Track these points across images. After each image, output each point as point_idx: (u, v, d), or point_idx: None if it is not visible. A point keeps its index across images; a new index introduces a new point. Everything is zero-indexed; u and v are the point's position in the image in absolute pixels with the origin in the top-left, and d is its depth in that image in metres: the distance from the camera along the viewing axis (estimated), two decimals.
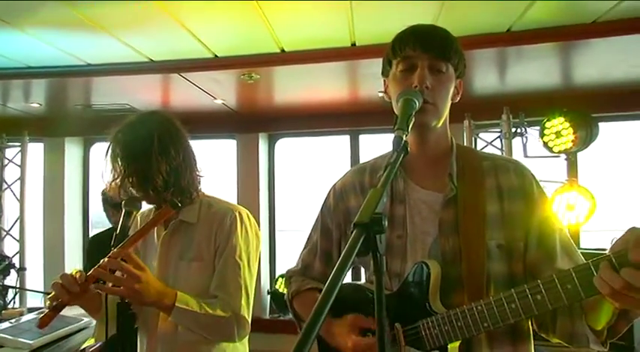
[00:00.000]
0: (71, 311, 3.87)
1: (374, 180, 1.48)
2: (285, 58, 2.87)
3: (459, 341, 1.23)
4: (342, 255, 0.77)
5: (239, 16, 2.33)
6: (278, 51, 2.85)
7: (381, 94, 3.65)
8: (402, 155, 1.11)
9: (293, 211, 5.09)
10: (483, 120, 3.99)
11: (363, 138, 4.73)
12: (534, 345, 1.36)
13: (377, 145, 4.85)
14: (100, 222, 4.98)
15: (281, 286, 4.30)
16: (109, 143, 1.69)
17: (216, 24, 2.47)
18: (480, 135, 4.10)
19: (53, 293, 1.50)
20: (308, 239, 1.64)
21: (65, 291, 1.47)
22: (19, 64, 3.11)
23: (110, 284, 1.52)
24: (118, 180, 1.66)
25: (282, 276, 4.33)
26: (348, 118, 4.41)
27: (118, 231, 1.59)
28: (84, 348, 3.46)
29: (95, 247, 3.16)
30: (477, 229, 1.30)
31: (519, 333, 1.31)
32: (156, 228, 1.77)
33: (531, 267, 1.30)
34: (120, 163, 1.65)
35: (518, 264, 1.31)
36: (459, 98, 1.42)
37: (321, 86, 3.60)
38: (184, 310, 1.59)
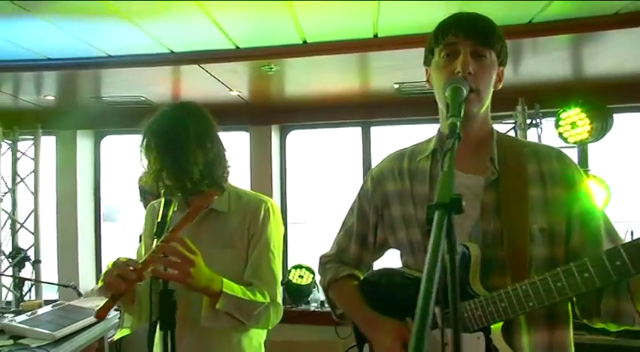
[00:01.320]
0: (88, 303, 3.91)
1: (413, 165, 1.50)
2: (307, 49, 2.88)
3: (502, 322, 1.25)
4: (431, 240, 0.77)
5: (265, 6, 2.34)
6: (300, 42, 2.85)
7: (396, 85, 3.69)
8: (457, 141, 1.12)
9: (305, 204, 5.10)
10: (498, 111, 3.98)
11: (375, 130, 4.73)
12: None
13: (388, 137, 4.87)
14: (109, 215, 5.01)
15: (294, 277, 4.32)
16: (143, 134, 1.70)
17: (241, 14, 2.48)
18: (494, 126, 4.08)
19: (104, 282, 1.48)
20: (343, 223, 1.66)
21: (121, 280, 1.45)
22: (37, 55, 3.11)
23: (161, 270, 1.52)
24: (153, 171, 1.67)
25: (295, 268, 4.35)
26: (359, 110, 4.42)
27: (159, 219, 1.61)
28: (119, 339, 3.51)
29: None
30: (519, 212, 1.31)
31: (558, 319, 1.33)
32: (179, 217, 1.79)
33: (574, 252, 1.32)
34: (156, 154, 1.66)
35: (560, 249, 1.33)
36: (500, 86, 1.44)
37: (335, 77, 3.61)
38: (231, 296, 1.60)
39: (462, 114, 1.16)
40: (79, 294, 4.01)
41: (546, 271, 1.19)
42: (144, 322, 1.73)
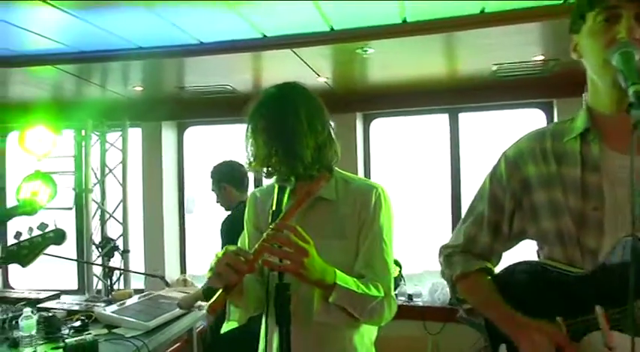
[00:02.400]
0: (175, 293, 3.92)
1: (558, 146, 1.32)
2: (407, 29, 2.70)
3: None
4: None
5: None
6: (400, 21, 2.68)
7: (495, 67, 3.44)
8: None
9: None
10: None
11: (463, 117, 4.51)
12: None
13: (477, 123, 4.62)
14: (187, 206, 5.04)
15: None
16: (249, 118, 1.61)
17: None
18: None
19: (214, 272, 1.38)
20: (470, 210, 1.50)
21: (233, 271, 1.36)
22: (127, 43, 3.08)
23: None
24: (262, 157, 1.57)
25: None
26: (446, 95, 4.22)
27: (273, 207, 1.49)
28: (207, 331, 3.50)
29: (229, 227, 3.14)
30: None
31: None
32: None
33: None
34: (265, 139, 1.56)
35: None
36: None
37: (429, 59, 3.42)
38: (345, 289, 1.47)
39: None
40: (167, 284, 4.03)
41: None
42: (252, 314, 1.63)
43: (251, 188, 3.39)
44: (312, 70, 3.45)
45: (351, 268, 1.59)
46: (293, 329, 1.43)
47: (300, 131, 1.55)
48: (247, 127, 1.61)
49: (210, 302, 1.37)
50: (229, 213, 3.25)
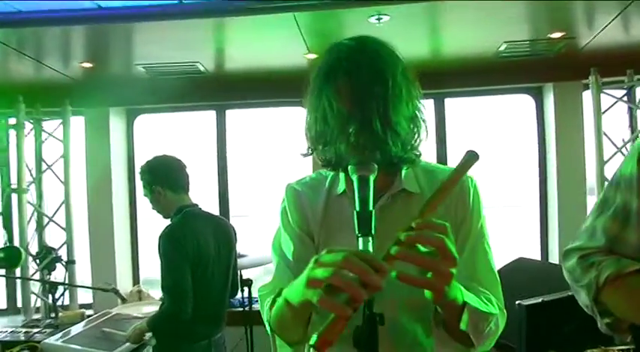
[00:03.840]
0: (135, 310, 3.31)
1: None
2: None
3: None
4: None
5: None
6: None
7: (504, 46, 3.10)
8: None
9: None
10: (615, 75, 3.54)
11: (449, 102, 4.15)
12: None
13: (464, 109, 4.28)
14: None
15: None
16: (324, 77, 1.17)
17: None
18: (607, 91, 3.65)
19: (325, 291, 0.91)
20: (603, 202, 1.27)
21: (357, 285, 0.88)
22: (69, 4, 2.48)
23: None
24: (338, 132, 1.15)
25: None
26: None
27: (358, 207, 1.03)
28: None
29: (171, 243, 2.53)
30: None
31: None
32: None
33: None
34: (348, 104, 1.14)
35: None
36: None
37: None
38: (474, 309, 1.09)
39: None
40: (123, 299, 3.41)
41: None
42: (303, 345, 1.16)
43: (197, 187, 2.78)
44: (306, 43, 2.93)
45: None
46: None
47: (399, 94, 1.14)
48: (316, 92, 1.19)
49: (321, 331, 0.89)
50: (169, 223, 2.58)
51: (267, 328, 1.19)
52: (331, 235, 1.24)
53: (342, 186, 1.26)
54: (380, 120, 1.12)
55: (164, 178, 2.60)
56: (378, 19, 2.50)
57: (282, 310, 1.08)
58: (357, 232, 0.99)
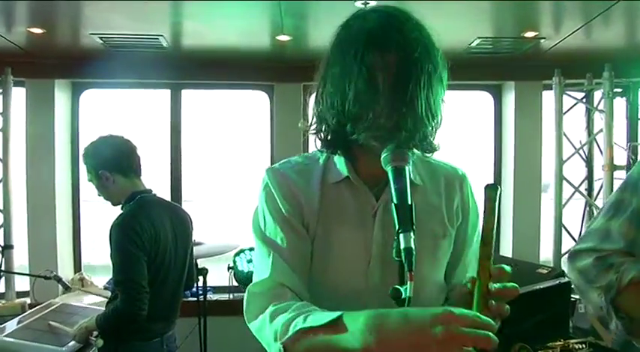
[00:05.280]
0: (81, 299, 3.10)
1: None
2: None
3: None
4: None
5: None
6: None
7: (476, 41, 3.06)
8: None
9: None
10: (575, 78, 3.62)
11: None
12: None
13: None
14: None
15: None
16: (342, 47, 1.06)
17: None
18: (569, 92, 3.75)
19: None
20: (616, 204, 1.27)
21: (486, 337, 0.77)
22: None
23: None
24: (359, 107, 1.03)
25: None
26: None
27: (395, 200, 0.94)
28: None
29: (124, 235, 2.22)
30: None
31: None
32: (361, 192, 1.14)
33: None
34: (382, 79, 1.02)
35: None
36: None
37: None
38: None
39: None
40: (66, 288, 3.15)
41: None
42: None
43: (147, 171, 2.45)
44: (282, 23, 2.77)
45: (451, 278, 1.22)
46: None
47: (440, 76, 1.06)
48: (343, 63, 1.04)
49: None
50: (122, 212, 2.31)
51: (257, 336, 1.01)
52: (331, 228, 1.13)
53: (342, 172, 1.13)
54: (422, 102, 1.01)
55: (112, 162, 2.29)
56: (365, 4, 2.39)
57: None
58: (396, 228, 0.91)
